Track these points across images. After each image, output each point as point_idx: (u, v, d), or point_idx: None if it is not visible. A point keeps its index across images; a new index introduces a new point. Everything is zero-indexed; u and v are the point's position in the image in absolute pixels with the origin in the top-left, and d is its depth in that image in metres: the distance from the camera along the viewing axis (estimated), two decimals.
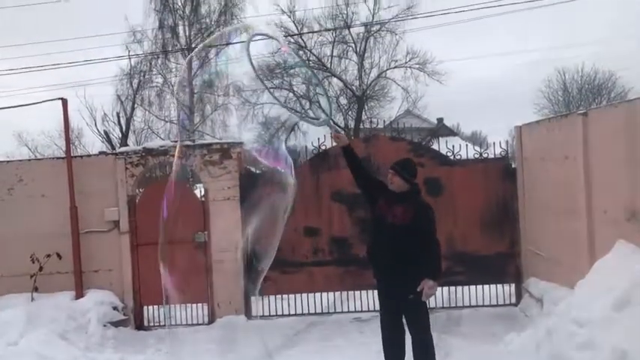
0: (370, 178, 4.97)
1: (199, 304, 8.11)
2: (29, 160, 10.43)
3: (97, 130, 25.72)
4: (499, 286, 7.99)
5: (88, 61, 22.64)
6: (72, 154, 8.15)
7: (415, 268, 4.46)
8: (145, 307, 8.17)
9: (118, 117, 24.95)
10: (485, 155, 8.10)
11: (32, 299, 7.44)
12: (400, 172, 4.67)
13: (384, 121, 9.28)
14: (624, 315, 4.21)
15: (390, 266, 4.60)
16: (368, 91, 25.81)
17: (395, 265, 4.55)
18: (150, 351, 6.72)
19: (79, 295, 7.72)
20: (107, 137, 24.97)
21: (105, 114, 25.24)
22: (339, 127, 24.45)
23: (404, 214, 4.58)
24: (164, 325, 8.02)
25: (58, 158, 8.57)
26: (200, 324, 8.02)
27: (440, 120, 30.64)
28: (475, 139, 32.24)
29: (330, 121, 4.71)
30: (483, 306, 7.87)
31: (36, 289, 7.56)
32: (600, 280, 4.87)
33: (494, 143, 8.16)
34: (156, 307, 8.19)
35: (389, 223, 4.62)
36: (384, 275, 4.74)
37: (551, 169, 6.73)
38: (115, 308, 7.73)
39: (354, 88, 25.76)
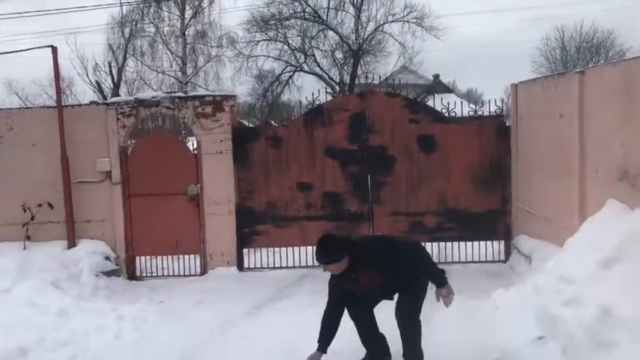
0: (340, 300, 4.29)
1: (192, 256, 8.18)
2: (19, 108, 10.29)
3: (89, 79, 25.41)
4: (489, 243, 8.08)
5: (79, 7, 22.15)
6: (63, 104, 8.03)
7: (414, 279, 4.22)
8: (138, 258, 8.23)
9: (110, 67, 24.61)
10: (480, 113, 8.06)
11: (24, 248, 7.47)
12: (329, 262, 4.04)
13: (380, 77, 9.15)
14: (611, 273, 4.25)
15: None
16: (364, 46, 25.49)
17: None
18: (143, 300, 6.77)
19: (72, 244, 7.75)
20: (99, 87, 24.70)
21: (96, 63, 24.91)
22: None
23: (371, 279, 4.11)
24: (156, 276, 8.11)
25: (48, 107, 8.45)
26: (192, 275, 8.09)
27: (436, 77, 30.44)
28: (470, 97, 32.16)
29: None
30: (473, 262, 7.96)
31: (28, 238, 7.58)
32: (589, 239, 4.91)
33: (489, 101, 8.13)
34: (148, 257, 8.26)
35: (366, 295, 4.26)
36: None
37: (546, 127, 6.71)
38: (107, 258, 7.77)
39: (350, 42, 25.41)
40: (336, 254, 4.01)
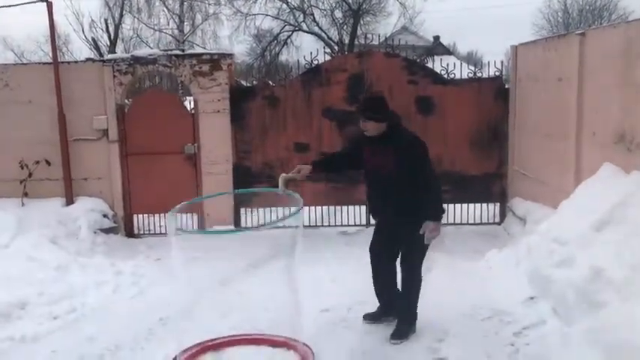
0: (353, 152, 4.51)
1: (189, 214, 8.22)
2: (15, 64, 10.18)
3: (85, 37, 25.08)
4: (484, 205, 8.13)
5: None
6: (59, 60, 7.94)
7: (414, 209, 4.14)
8: (135, 216, 8.27)
9: (106, 24, 24.25)
10: (479, 75, 8.01)
11: (22, 204, 7.50)
12: (371, 117, 4.14)
13: (380, 37, 9.05)
14: (604, 235, 4.31)
15: (386, 214, 4.39)
16: (364, 5, 25.10)
17: (391, 213, 4.30)
18: (140, 257, 6.85)
19: (69, 202, 7.78)
20: (95, 44, 24.38)
21: (92, 20, 24.55)
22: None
23: (384, 161, 4.17)
24: (154, 233, 8.17)
25: (44, 63, 8.35)
26: None
27: (436, 38, 30.07)
28: (471, 60, 31.78)
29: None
30: (468, 224, 8.04)
31: (26, 195, 7.60)
32: (583, 201, 4.96)
33: (488, 63, 8.05)
34: (146, 215, 8.30)
35: (375, 173, 4.32)
36: (381, 219, 4.53)
37: (544, 90, 6.68)
38: (105, 216, 7.81)
39: (350, 1, 25.00)
40: (382, 114, 4.15)
